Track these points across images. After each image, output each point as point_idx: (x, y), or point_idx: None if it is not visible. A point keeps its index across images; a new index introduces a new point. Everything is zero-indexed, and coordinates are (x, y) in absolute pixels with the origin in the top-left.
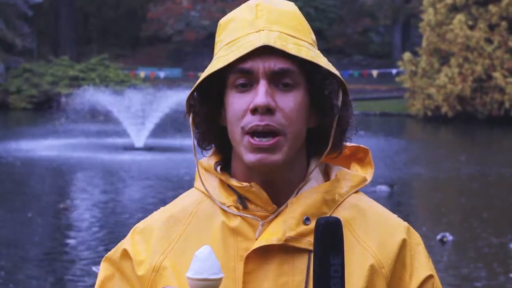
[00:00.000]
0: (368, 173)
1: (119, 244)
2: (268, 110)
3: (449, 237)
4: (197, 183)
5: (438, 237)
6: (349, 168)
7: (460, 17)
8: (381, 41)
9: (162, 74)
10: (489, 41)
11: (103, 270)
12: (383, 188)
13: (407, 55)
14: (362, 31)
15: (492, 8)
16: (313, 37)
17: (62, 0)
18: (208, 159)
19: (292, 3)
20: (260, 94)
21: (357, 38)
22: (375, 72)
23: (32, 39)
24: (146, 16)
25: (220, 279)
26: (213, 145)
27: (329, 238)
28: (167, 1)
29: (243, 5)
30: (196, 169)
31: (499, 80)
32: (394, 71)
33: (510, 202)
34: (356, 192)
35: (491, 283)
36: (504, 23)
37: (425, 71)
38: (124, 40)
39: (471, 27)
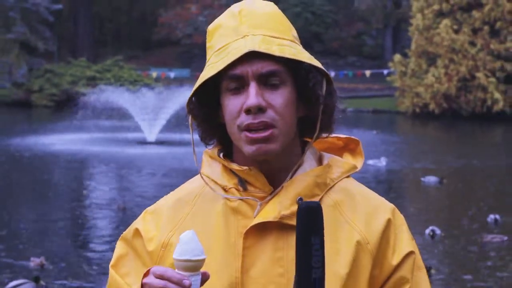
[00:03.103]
0: (358, 162)
1: (132, 224)
2: (260, 109)
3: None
4: (202, 169)
5: (427, 231)
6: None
7: (446, 22)
8: (374, 43)
9: (172, 74)
10: (472, 44)
11: (118, 248)
12: (432, 179)
13: (397, 57)
14: (356, 35)
15: (476, 13)
16: (294, 33)
17: (80, 6)
18: (212, 148)
19: (272, 3)
20: (251, 96)
21: (351, 41)
22: (368, 72)
23: (53, 42)
24: (157, 21)
25: (202, 260)
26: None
27: (310, 220)
28: (177, 7)
29: (227, 11)
30: (201, 157)
31: (482, 80)
32: (385, 71)
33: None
34: (347, 177)
35: None
36: (486, 28)
37: (414, 72)
38: (137, 43)
39: (456, 31)
